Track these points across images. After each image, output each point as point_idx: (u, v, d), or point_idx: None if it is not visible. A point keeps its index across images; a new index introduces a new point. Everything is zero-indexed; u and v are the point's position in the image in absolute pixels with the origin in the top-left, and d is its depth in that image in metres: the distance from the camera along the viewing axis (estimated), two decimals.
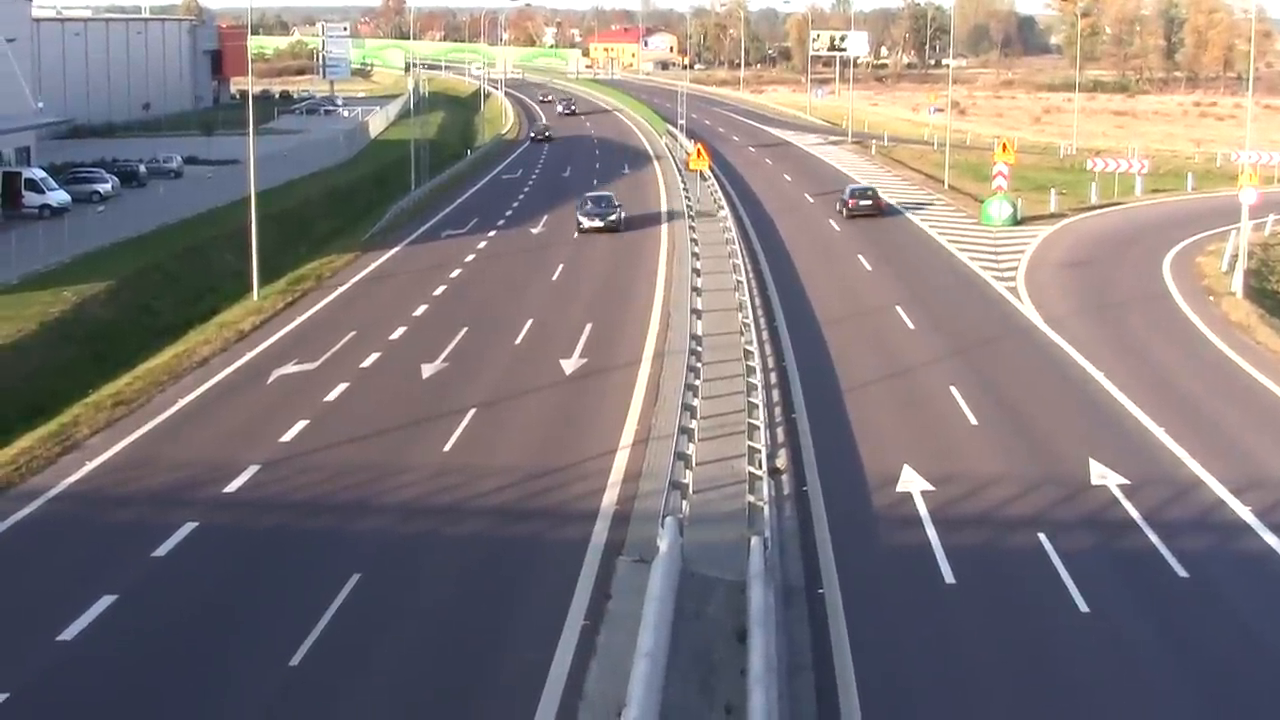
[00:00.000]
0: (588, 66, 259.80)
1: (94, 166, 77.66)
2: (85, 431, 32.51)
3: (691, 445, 28.84)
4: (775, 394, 35.36)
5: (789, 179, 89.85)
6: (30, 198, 65.40)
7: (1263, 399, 35.78)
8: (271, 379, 37.69)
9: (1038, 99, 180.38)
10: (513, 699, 19.44)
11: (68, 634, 21.44)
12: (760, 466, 27.16)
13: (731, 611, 21.59)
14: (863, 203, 71.33)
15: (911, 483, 28.42)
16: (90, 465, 29.99)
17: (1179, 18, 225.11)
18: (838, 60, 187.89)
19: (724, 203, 70.71)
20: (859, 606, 22.51)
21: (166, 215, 66.19)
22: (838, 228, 66.73)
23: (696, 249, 54.85)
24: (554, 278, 53.19)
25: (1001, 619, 22.18)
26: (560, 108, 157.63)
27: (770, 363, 38.60)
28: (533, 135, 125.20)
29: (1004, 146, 71.41)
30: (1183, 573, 23.85)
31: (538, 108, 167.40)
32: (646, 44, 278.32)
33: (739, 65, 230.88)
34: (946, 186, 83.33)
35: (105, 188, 72.65)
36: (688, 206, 69.85)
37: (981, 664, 20.67)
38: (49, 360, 42.18)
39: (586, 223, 64.32)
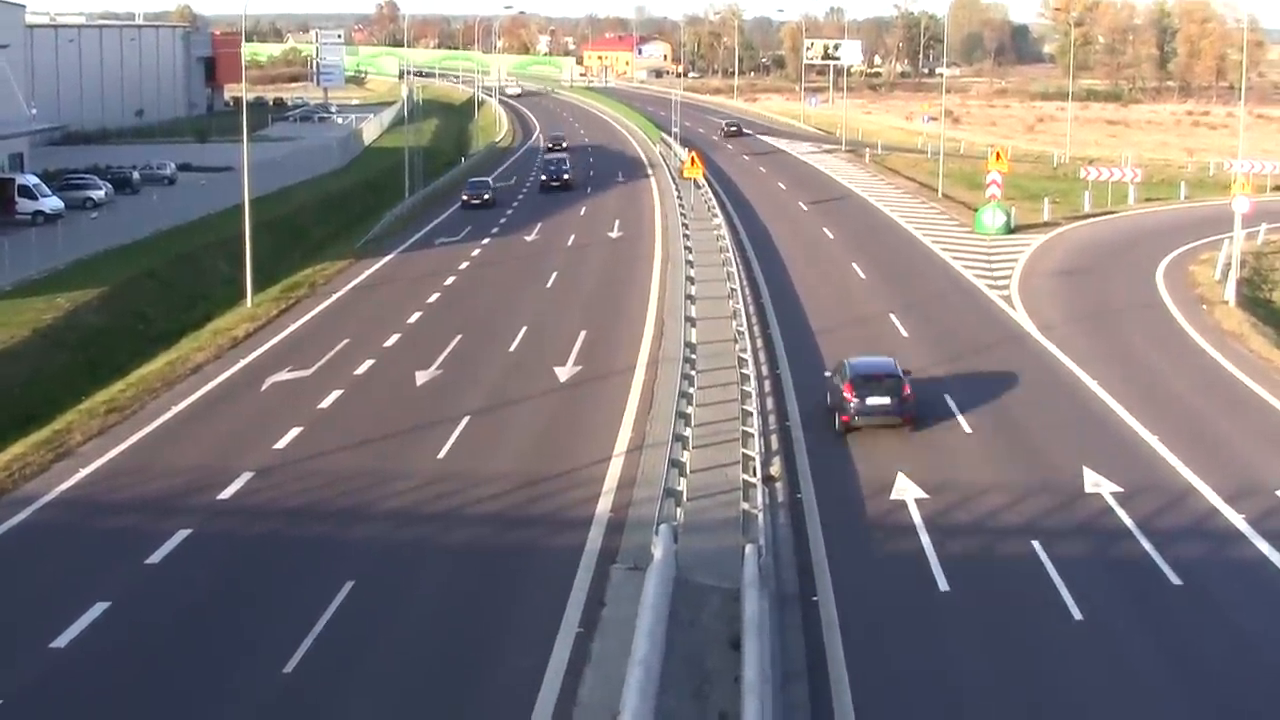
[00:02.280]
0: (582, 74, 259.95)
1: (87, 173, 77.62)
2: (78, 438, 32.47)
3: (686, 453, 28.82)
4: (769, 401, 35.37)
5: (783, 187, 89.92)
6: (23, 204, 65.41)
7: (1256, 407, 35.80)
8: (265, 386, 37.66)
9: (1031, 108, 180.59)
10: (507, 706, 19.43)
11: (60, 641, 21.41)
12: (754, 474, 27.17)
13: (725, 619, 21.57)
14: (731, 129, 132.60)
15: (905, 490, 28.43)
16: (83, 472, 29.95)
17: (1171, 27, 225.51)
18: (831, 69, 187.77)
19: (718, 210, 70.76)
20: (853, 614, 22.51)
21: (160, 222, 66.15)
22: (832, 235, 66.77)
23: (690, 257, 54.88)
24: (548, 285, 53.19)
25: (995, 627, 22.19)
26: (544, 175, 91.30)
27: (764, 370, 38.60)
28: (466, 196, 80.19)
29: (998, 155, 71.49)
30: (1176, 580, 23.88)
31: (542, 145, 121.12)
32: (640, 52, 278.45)
33: (733, 73, 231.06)
34: (940, 195, 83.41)
35: (99, 194, 72.60)
36: (681, 214, 69.89)
37: (975, 672, 20.68)
38: (42, 367, 42.13)
39: None
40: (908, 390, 32.52)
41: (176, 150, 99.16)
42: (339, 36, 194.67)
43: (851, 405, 32.10)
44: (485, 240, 65.67)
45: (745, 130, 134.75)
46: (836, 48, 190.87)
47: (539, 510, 27.61)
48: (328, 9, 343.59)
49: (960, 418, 33.89)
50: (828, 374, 34.98)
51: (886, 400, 32.21)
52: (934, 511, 27.26)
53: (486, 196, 79.62)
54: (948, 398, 35.63)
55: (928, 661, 20.98)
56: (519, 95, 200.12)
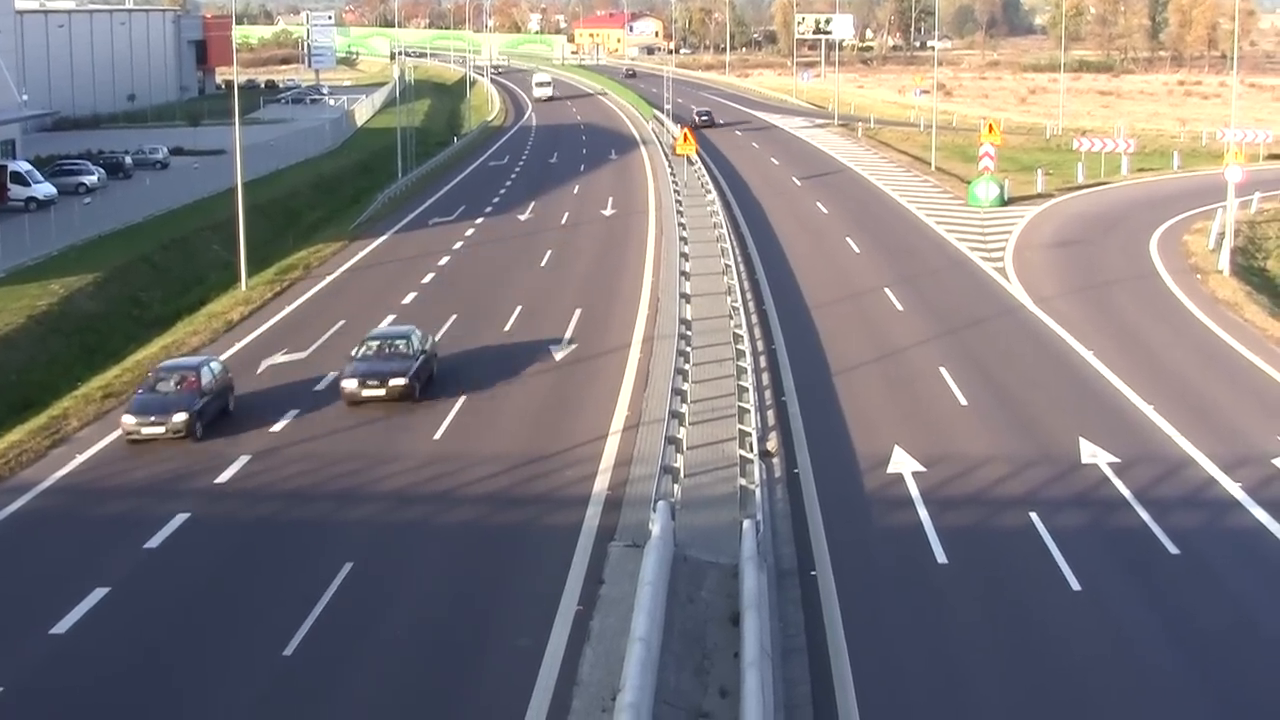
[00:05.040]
0: (573, 52, 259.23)
1: (80, 158, 77.37)
2: (75, 424, 32.46)
3: (682, 429, 28.84)
4: (765, 377, 35.38)
5: (776, 162, 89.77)
6: (16, 190, 65.19)
7: (1251, 376, 35.84)
8: (261, 369, 37.63)
9: (1023, 80, 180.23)
10: (507, 685, 19.46)
11: (60, 627, 21.45)
12: (751, 450, 27.17)
13: (724, 595, 21.62)
14: (629, 75, 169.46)
15: (903, 464, 28.46)
16: (80, 458, 29.96)
17: None
18: (823, 43, 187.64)
19: (711, 187, 70.66)
20: (851, 588, 22.54)
21: (153, 206, 66.03)
22: (826, 210, 66.72)
23: (684, 233, 54.81)
24: (542, 263, 53.12)
25: (994, 598, 22.24)
26: None
27: (760, 346, 38.60)
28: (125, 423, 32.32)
29: (990, 127, 71.42)
30: (1174, 550, 23.93)
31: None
32: (631, 29, 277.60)
33: (725, 49, 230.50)
34: (933, 168, 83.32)
35: (91, 180, 72.31)
36: (675, 191, 69.81)
37: (974, 643, 20.73)
38: (37, 353, 42.09)
39: None
40: (717, 121, 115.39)
41: (169, 134, 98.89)
42: (329, 18, 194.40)
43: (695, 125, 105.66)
44: (479, 219, 65.56)
45: (638, 74, 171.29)
46: (828, 22, 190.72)
47: (536, 489, 27.63)
48: None
49: (956, 390, 33.92)
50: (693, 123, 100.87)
51: (708, 119, 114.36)
52: (931, 484, 27.30)
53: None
54: (943, 370, 35.65)
55: (927, 634, 21.01)
56: (551, 98, 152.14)
